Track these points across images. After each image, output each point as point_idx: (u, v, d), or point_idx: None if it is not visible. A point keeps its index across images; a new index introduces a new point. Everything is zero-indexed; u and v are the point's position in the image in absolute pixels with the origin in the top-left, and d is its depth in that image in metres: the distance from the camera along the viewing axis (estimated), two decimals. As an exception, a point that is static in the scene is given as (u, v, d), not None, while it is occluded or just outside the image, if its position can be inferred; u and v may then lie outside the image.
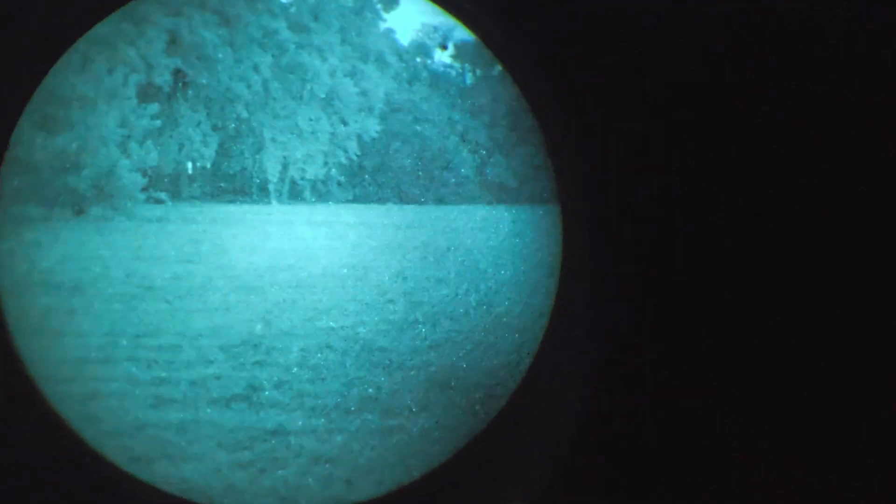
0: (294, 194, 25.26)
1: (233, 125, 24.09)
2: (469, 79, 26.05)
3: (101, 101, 20.44)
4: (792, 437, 2.16)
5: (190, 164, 23.91)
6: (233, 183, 24.52)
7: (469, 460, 2.52)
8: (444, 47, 24.84)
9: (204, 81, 23.56)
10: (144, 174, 21.94)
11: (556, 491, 2.29)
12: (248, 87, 24.01)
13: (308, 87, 24.66)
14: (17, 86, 2.41)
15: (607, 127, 2.30)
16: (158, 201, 22.89)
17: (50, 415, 2.66)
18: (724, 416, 2.20)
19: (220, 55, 23.55)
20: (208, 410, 8.11)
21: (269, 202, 24.79)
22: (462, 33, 25.43)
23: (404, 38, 26.25)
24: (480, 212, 23.87)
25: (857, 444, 2.13)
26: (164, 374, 9.11)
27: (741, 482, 2.20)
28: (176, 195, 23.74)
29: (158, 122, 22.24)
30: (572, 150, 2.41)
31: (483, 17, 2.43)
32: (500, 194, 24.88)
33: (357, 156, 25.25)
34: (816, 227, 2.18)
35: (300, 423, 7.81)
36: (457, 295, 14.06)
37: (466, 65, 26.01)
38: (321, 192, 25.33)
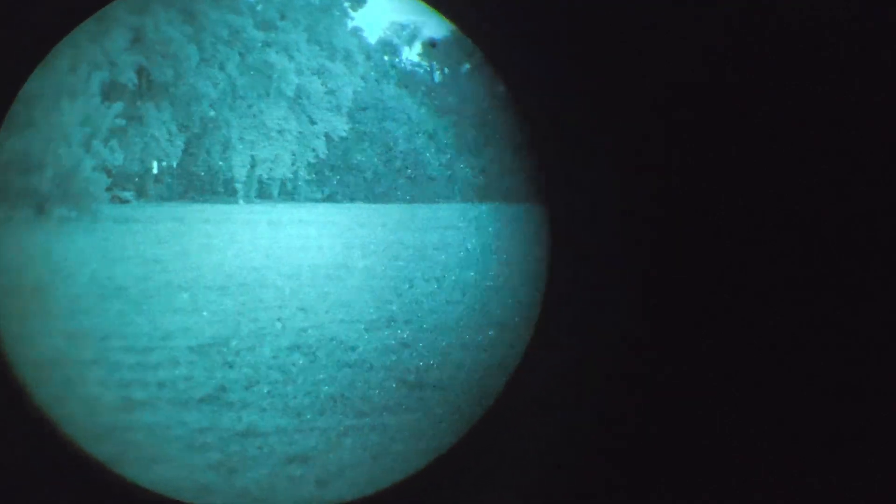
0: (262, 194, 25.10)
1: (199, 124, 23.84)
2: (437, 77, 26.08)
3: (63, 99, 20.09)
4: (792, 436, 2.17)
5: (155, 164, 23.63)
6: (200, 182, 24.28)
7: (456, 460, 2.50)
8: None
9: (169, 80, 23.29)
10: (109, 174, 21.62)
11: (550, 491, 2.27)
12: (215, 85, 23.79)
13: (275, 85, 24.50)
14: (3, 86, 2.34)
15: (607, 127, 2.29)
16: (123, 201, 22.59)
17: (41, 418, 2.60)
18: (724, 416, 2.20)
19: (186, 53, 23.29)
20: (178, 412, 8.01)
21: (237, 202, 24.60)
22: (430, 32, 25.43)
23: (372, 36, 26.18)
24: (449, 210, 23.89)
25: (856, 444, 2.15)
26: (132, 376, 8.98)
27: (740, 481, 2.20)
28: (142, 195, 23.45)
29: (123, 121, 21.94)
30: (572, 150, 2.40)
31: (480, 18, 2.41)
32: (468, 193, 24.93)
33: (325, 155, 25.15)
34: (816, 227, 2.19)
35: (271, 423, 7.75)
36: (428, 293, 14.05)
37: (435, 63, 26.03)
38: (289, 192, 25.20)
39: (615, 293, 2.34)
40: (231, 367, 9.61)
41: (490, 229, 20.83)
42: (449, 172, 25.05)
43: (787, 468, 2.18)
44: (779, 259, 2.21)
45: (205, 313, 12.20)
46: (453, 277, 15.51)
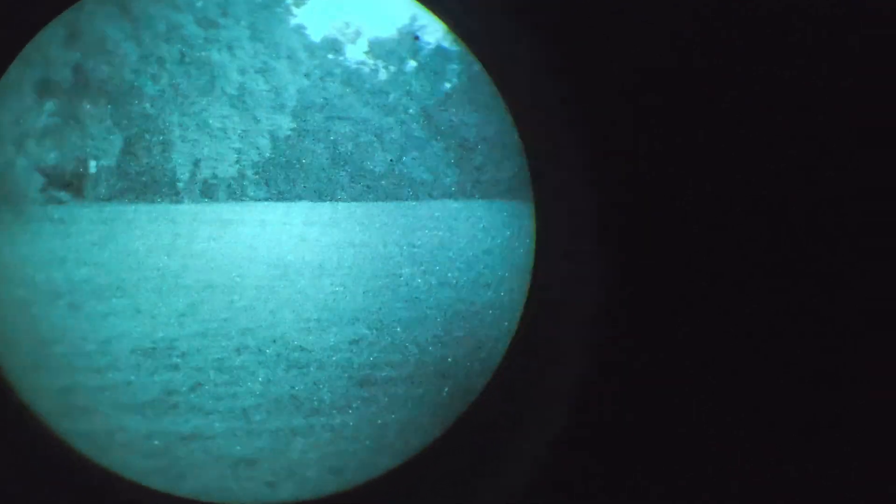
0: (206, 193, 24.71)
1: (138, 122, 23.36)
2: (382, 75, 26.02)
3: (-6, 96, 19.48)
4: (768, 425, 2.17)
5: (93, 163, 23.05)
6: (140, 182, 23.78)
7: (441, 459, 2.45)
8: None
9: (106, 77, 22.76)
10: (43, 173, 21.07)
11: (532, 489, 2.24)
12: (155, 83, 23.33)
13: (217, 83, 24.15)
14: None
15: (575, 112, 2.27)
16: (59, 202, 22.03)
17: (28, 416, 2.50)
18: (701, 404, 2.19)
19: (124, 50, 22.79)
20: (121, 417, 7.83)
21: (180, 201, 24.15)
22: (376, 29, 25.39)
23: (315, 34, 26.00)
24: (397, 208, 23.89)
25: (833, 432, 2.16)
26: (72, 382, 8.73)
27: (717, 469, 2.20)
28: (78, 195, 22.86)
29: (58, 119, 21.38)
30: (540, 138, 2.37)
31: (458, 11, 2.37)
32: (415, 190, 24.98)
33: (270, 153, 24.90)
34: (784, 212, 2.20)
35: (218, 426, 7.62)
36: (376, 290, 14.00)
37: (380, 61, 25.98)
38: (234, 191, 24.87)
39: (587, 282, 2.32)
40: (176, 369, 9.42)
41: (438, 225, 20.86)
42: (395, 170, 25.05)
43: (764, 456, 2.19)
44: (746, 244, 2.22)
45: (148, 316, 11.95)
46: (402, 274, 15.51)
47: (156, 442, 7.12)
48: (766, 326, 2.16)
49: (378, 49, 25.98)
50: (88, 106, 22.69)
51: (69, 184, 22.77)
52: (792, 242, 2.17)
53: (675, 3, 2.15)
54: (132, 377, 9.02)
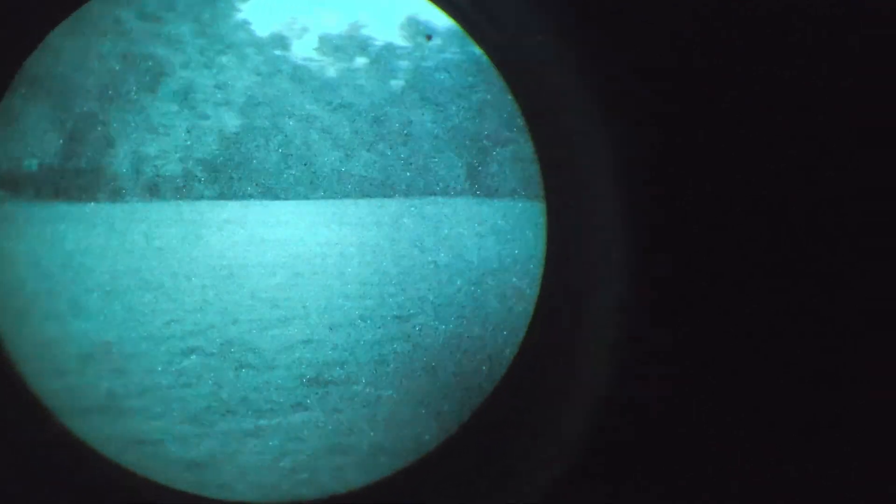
0: (152, 192, 24.23)
1: (80, 119, 22.77)
2: (331, 72, 25.86)
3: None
4: (768, 424, 2.17)
5: (33, 162, 22.41)
6: (81, 180, 23.18)
7: (447, 460, 2.41)
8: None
9: (45, 72, 22.14)
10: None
11: (532, 490, 2.21)
12: (95, 78, 22.77)
13: (161, 79, 23.70)
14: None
15: (573, 113, 2.25)
16: (-6, 201, 21.45)
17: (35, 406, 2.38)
18: (700, 404, 2.18)
19: (62, 44, 22.19)
20: (64, 423, 7.59)
21: (125, 200, 23.63)
22: (328, 27, 25.23)
23: (262, 30, 25.71)
24: (346, 206, 23.81)
25: (833, 432, 2.17)
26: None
27: (718, 470, 2.20)
28: (16, 194, 22.20)
29: (-7, 115, 20.72)
30: (546, 138, 2.34)
31: (469, 9, 2.33)
32: (364, 189, 24.92)
33: (218, 151, 24.55)
34: (784, 212, 2.20)
35: (167, 430, 7.47)
36: (325, 289, 13.91)
37: (328, 58, 25.82)
38: (181, 189, 24.43)
39: (587, 283, 2.29)
40: (121, 373, 9.19)
41: (386, 223, 20.84)
42: (344, 168, 24.93)
43: (764, 456, 2.19)
44: (747, 244, 2.22)
45: (90, 318, 11.66)
46: (350, 272, 15.45)
47: (101, 448, 6.93)
48: (766, 326, 2.16)
49: (327, 45, 25.82)
50: (26, 102, 22.06)
51: (5, 183, 22.13)
52: (792, 242, 2.17)
53: (675, 3, 2.13)
54: (76, 382, 8.77)
